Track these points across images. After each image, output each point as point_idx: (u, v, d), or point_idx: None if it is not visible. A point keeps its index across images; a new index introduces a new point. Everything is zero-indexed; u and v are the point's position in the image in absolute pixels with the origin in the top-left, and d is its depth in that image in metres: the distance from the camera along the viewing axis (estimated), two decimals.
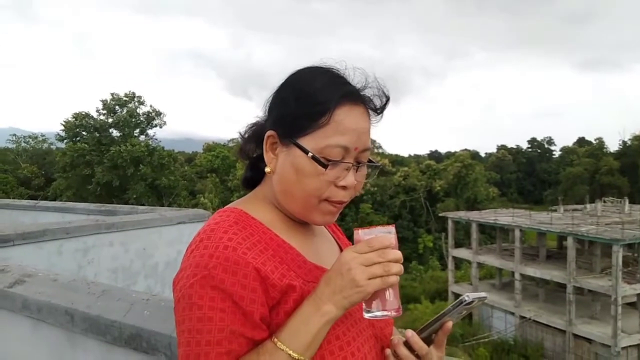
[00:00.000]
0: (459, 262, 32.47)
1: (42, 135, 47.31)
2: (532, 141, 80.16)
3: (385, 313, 0.84)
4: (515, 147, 78.68)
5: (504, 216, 29.82)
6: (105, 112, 38.14)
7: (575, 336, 22.41)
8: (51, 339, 1.87)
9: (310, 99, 0.89)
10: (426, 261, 40.38)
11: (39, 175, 41.19)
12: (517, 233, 26.01)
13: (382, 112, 0.96)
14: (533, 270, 25.24)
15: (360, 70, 0.94)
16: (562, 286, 23.56)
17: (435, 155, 78.89)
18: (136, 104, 39.09)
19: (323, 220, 0.94)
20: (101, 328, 1.63)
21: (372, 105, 0.94)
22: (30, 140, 46.61)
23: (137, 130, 38.91)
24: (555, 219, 27.40)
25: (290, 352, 0.80)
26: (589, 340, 21.94)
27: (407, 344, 0.92)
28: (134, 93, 38.97)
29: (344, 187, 0.91)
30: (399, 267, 0.83)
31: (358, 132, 0.89)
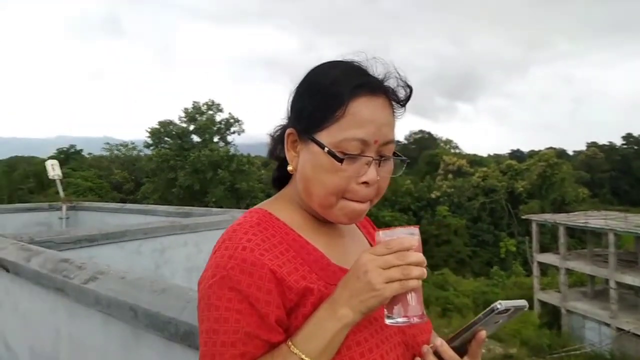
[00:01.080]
0: (545, 268, 30.52)
1: (132, 143, 51.01)
2: (628, 137, 73.40)
3: (406, 320, 0.79)
4: (607, 144, 72.57)
5: (595, 219, 27.57)
6: (186, 119, 40.38)
7: None
8: (119, 333, 1.95)
9: (324, 92, 0.86)
10: (509, 266, 38.35)
11: (129, 180, 44.40)
12: (611, 237, 23.94)
13: (405, 103, 0.92)
14: (631, 279, 23.07)
15: (381, 60, 0.90)
16: None
17: (517, 155, 74.68)
18: (215, 111, 40.97)
19: (346, 219, 0.90)
20: (160, 324, 1.67)
21: (394, 96, 0.90)
22: (122, 148, 50.43)
23: (217, 137, 40.78)
24: None
25: (303, 356, 0.77)
26: None
27: (438, 354, 0.86)
28: (213, 101, 40.91)
29: (365, 184, 0.86)
30: (420, 271, 0.78)
31: (377, 124, 0.85)
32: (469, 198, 44.41)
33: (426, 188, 44.88)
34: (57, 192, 8.14)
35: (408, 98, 0.92)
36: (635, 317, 22.88)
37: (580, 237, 35.39)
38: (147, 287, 1.88)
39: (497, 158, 64.27)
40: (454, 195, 44.05)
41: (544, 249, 31.03)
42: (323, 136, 0.85)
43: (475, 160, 53.33)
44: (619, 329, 22.78)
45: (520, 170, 46.71)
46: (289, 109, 0.95)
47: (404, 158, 0.92)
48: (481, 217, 43.56)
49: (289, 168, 0.93)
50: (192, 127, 40.25)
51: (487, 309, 0.81)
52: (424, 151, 58.86)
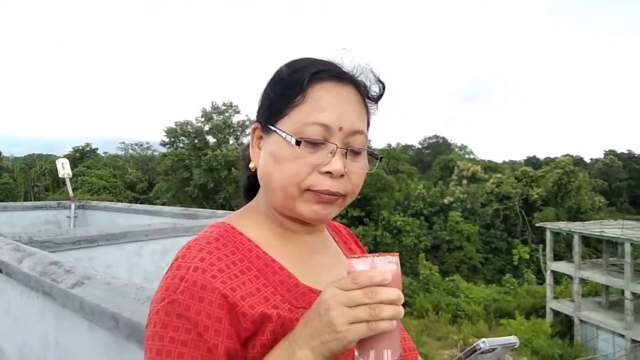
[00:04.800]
0: (558, 277, 30.00)
1: (147, 143, 51.68)
2: None
3: None
4: (626, 152, 71.24)
5: (612, 228, 27.05)
6: (203, 119, 40.66)
7: None
8: (103, 341, 1.90)
9: (286, 79, 0.82)
10: (521, 274, 37.80)
11: (142, 180, 44.87)
12: (628, 247, 23.41)
13: (378, 100, 0.87)
14: None
15: (354, 56, 0.85)
16: None
17: (532, 161, 73.55)
18: (232, 112, 41.14)
19: (311, 212, 0.81)
20: (141, 336, 1.61)
21: (364, 89, 0.85)
22: (137, 147, 51.12)
23: (232, 138, 40.91)
24: None
25: None
26: None
27: None
28: (231, 102, 41.14)
29: (329, 174, 0.79)
30: (393, 311, 0.66)
31: (342, 109, 0.80)
32: (482, 204, 43.89)
33: (439, 193, 44.47)
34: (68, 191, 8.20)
35: (381, 95, 0.88)
36: None
37: (595, 247, 34.79)
38: (131, 295, 1.82)
39: (512, 164, 63.50)
40: (467, 201, 43.58)
41: (558, 258, 30.54)
42: (284, 124, 0.81)
43: (489, 167, 52.73)
44: (634, 341, 22.26)
45: (536, 177, 46.04)
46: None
47: (377, 154, 0.87)
48: (494, 224, 43.01)
49: (251, 165, 0.87)
50: (207, 127, 40.48)
51: (469, 348, 0.73)
52: (438, 156, 58.44)
